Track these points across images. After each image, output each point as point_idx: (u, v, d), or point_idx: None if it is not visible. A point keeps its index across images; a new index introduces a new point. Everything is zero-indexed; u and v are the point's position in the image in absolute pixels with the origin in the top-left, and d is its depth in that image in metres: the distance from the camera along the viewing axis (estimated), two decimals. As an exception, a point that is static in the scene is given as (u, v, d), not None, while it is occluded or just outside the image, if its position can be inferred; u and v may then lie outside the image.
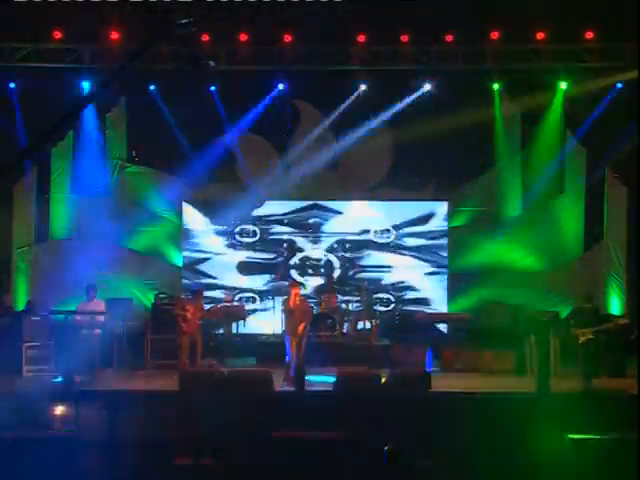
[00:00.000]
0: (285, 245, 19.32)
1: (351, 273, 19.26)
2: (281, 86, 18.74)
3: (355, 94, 18.82)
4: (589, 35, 17.41)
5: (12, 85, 18.36)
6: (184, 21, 5.53)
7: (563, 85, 18.39)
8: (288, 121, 19.32)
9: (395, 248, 19.25)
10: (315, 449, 10.53)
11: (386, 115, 19.32)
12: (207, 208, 19.39)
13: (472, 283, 19.18)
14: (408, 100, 18.74)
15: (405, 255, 19.21)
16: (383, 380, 12.68)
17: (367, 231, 19.26)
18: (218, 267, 19.29)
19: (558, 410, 11.81)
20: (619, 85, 18.13)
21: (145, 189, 19.81)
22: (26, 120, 17.60)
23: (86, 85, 18.12)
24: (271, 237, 19.32)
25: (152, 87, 18.77)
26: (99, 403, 12.03)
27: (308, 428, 10.99)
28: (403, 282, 19.23)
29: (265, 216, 19.38)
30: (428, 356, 15.78)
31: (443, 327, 18.09)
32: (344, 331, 17.34)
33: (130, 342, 16.46)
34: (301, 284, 15.38)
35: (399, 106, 18.80)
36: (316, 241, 19.28)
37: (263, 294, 19.17)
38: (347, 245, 19.29)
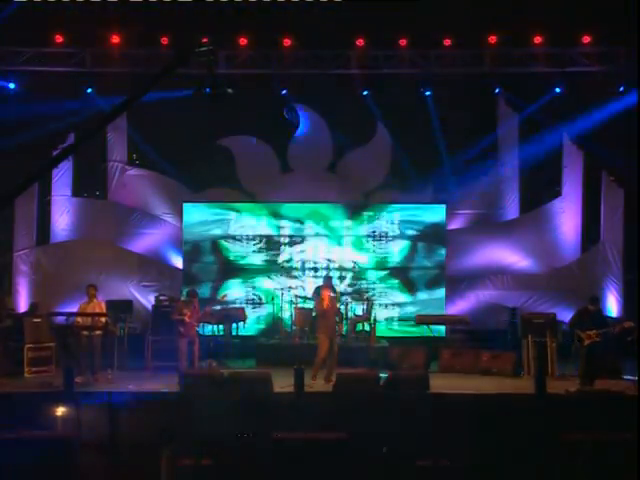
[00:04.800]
0: (284, 247, 19.38)
1: (350, 275, 19.32)
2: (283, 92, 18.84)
3: (354, 97, 18.90)
4: (586, 39, 17.54)
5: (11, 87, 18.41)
6: (204, 48, 5.59)
7: (560, 88, 18.45)
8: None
9: (394, 249, 19.30)
10: (315, 450, 10.59)
11: (385, 118, 19.45)
12: (207, 210, 19.45)
13: (470, 285, 19.30)
14: (406, 103, 18.82)
15: (404, 256, 19.27)
16: (382, 381, 12.77)
17: (365, 233, 19.31)
18: (218, 269, 19.35)
19: (556, 411, 11.89)
20: (621, 89, 18.24)
21: (145, 192, 19.91)
22: (28, 123, 17.62)
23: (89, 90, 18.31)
24: (271, 239, 19.38)
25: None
26: (100, 405, 12.10)
27: (308, 429, 11.06)
28: (402, 283, 19.29)
29: (264, 217, 19.44)
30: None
31: (442, 329, 18.15)
32: (343, 333, 17.41)
33: (130, 343, 16.54)
34: (331, 285, 15.43)
35: (398, 109, 18.88)
36: (316, 243, 19.33)
37: (264, 296, 19.23)
38: (346, 247, 19.35)
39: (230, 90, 6.07)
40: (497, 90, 18.98)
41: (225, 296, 17.15)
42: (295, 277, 19.24)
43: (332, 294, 15.17)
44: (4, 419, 11.23)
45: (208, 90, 6.45)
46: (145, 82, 5.87)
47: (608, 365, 14.68)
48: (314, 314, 17.25)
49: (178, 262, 19.51)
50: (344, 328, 17.38)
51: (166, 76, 5.62)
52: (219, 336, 17.44)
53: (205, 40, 5.72)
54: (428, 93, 18.81)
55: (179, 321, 15.10)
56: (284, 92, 18.85)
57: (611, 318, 17.02)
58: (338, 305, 17.55)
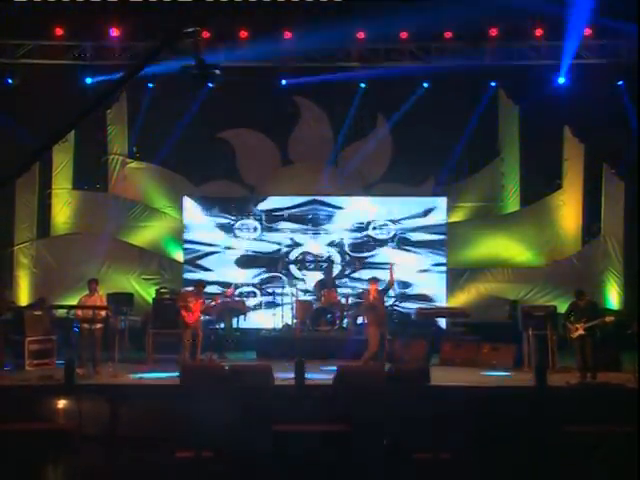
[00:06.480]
0: (285, 240, 19.37)
1: (351, 270, 19.32)
2: (283, 82, 18.80)
3: (354, 91, 18.90)
4: (587, 32, 17.51)
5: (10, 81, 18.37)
6: (190, 30, 5.58)
7: (561, 81, 18.40)
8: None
9: (394, 243, 19.29)
10: (315, 442, 10.60)
11: (385, 111, 19.46)
12: (208, 203, 19.45)
13: (471, 278, 19.31)
14: (407, 97, 18.85)
15: (404, 250, 19.25)
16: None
17: (366, 227, 19.30)
18: (218, 262, 19.36)
19: (556, 403, 11.90)
20: (620, 83, 18.23)
21: (146, 185, 19.93)
22: (28, 117, 17.60)
23: (89, 80, 18.27)
24: (271, 232, 19.38)
25: (150, 85, 18.85)
26: (101, 397, 12.10)
27: (308, 422, 11.07)
28: (402, 278, 19.25)
29: (265, 211, 19.42)
30: None
31: (442, 321, 18.15)
32: (344, 326, 17.44)
33: (131, 336, 16.57)
34: (377, 280, 15.42)
35: (398, 103, 18.90)
36: (316, 236, 19.33)
37: (263, 289, 19.22)
38: (347, 241, 19.34)
39: (217, 71, 6.02)
40: (494, 83, 18.99)
41: (231, 290, 17.06)
42: (297, 270, 19.25)
43: (379, 287, 15.14)
44: (5, 412, 11.24)
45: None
46: (134, 66, 5.86)
47: (606, 358, 14.67)
48: (315, 307, 17.32)
49: (179, 255, 19.52)
50: (345, 321, 17.49)
51: (154, 58, 5.61)
52: (220, 329, 17.47)
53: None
54: (426, 85, 18.83)
55: (183, 308, 15.08)
56: (284, 84, 18.81)
57: (608, 310, 17.00)
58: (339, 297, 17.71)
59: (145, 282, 19.35)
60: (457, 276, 19.33)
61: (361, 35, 17.90)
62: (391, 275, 15.31)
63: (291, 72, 18.48)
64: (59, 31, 17.77)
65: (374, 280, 15.22)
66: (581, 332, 13.86)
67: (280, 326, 17.80)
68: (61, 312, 16.07)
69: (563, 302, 16.46)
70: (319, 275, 18.65)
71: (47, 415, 11.80)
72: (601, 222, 19.18)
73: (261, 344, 16.90)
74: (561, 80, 18.22)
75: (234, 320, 17.68)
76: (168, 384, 13.11)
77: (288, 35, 17.92)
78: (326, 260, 19.24)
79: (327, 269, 18.59)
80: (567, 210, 19.34)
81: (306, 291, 18.31)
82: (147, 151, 20.02)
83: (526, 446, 10.74)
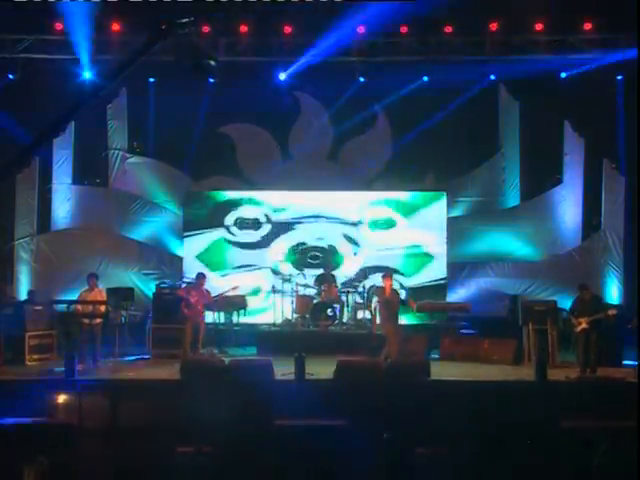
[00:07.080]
0: (286, 236, 19.36)
1: (351, 264, 19.31)
2: (283, 76, 18.77)
3: (354, 85, 18.88)
4: (587, 26, 17.49)
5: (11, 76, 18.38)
6: (184, 20, 5.54)
7: (562, 75, 18.41)
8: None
9: (394, 238, 19.27)
10: (315, 437, 10.61)
11: (385, 106, 19.44)
12: (208, 198, 19.46)
13: (471, 273, 19.30)
14: (407, 91, 18.83)
15: (404, 245, 19.25)
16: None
17: (366, 221, 19.30)
18: (219, 257, 19.36)
19: (556, 398, 11.91)
20: (619, 77, 18.24)
21: (146, 180, 19.92)
22: (26, 113, 17.58)
23: (88, 75, 18.25)
24: (272, 227, 19.37)
25: (152, 79, 18.88)
26: (101, 392, 12.12)
27: (308, 416, 11.08)
28: (403, 272, 19.27)
29: (265, 206, 19.43)
30: None
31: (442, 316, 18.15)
32: (344, 320, 17.44)
33: (131, 331, 16.57)
34: (392, 275, 15.37)
35: (398, 97, 18.89)
36: (316, 231, 19.33)
37: (264, 284, 19.21)
38: (346, 236, 19.34)
39: (213, 62, 5.97)
40: (493, 77, 18.99)
41: (237, 288, 17.00)
42: (296, 265, 19.23)
43: (393, 283, 15.10)
44: (5, 406, 11.25)
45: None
46: (128, 58, 5.82)
47: (606, 352, 14.66)
48: (315, 301, 17.31)
49: (179, 250, 19.52)
50: (345, 316, 17.48)
51: (149, 49, 5.59)
52: (220, 323, 17.46)
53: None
54: (426, 79, 18.82)
55: (185, 301, 15.08)
56: (284, 79, 18.81)
57: (609, 304, 17.00)
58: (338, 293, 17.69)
59: (145, 277, 19.35)
60: (457, 271, 19.32)
61: (361, 29, 17.88)
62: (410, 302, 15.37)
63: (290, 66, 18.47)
64: (59, 26, 17.75)
65: (389, 275, 15.15)
66: (585, 326, 13.87)
67: (280, 321, 17.82)
68: (61, 307, 16.08)
69: (563, 296, 16.47)
70: (319, 270, 18.61)
71: (47, 410, 11.81)
72: (601, 217, 19.16)
73: (261, 339, 16.90)
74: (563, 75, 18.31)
75: (234, 315, 17.66)
76: (168, 378, 13.12)
77: (288, 30, 17.91)
78: (326, 255, 19.21)
79: (327, 264, 18.55)
80: (567, 205, 19.32)
81: (306, 286, 18.28)
82: (147, 146, 20.00)
83: (525, 441, 10.75)
